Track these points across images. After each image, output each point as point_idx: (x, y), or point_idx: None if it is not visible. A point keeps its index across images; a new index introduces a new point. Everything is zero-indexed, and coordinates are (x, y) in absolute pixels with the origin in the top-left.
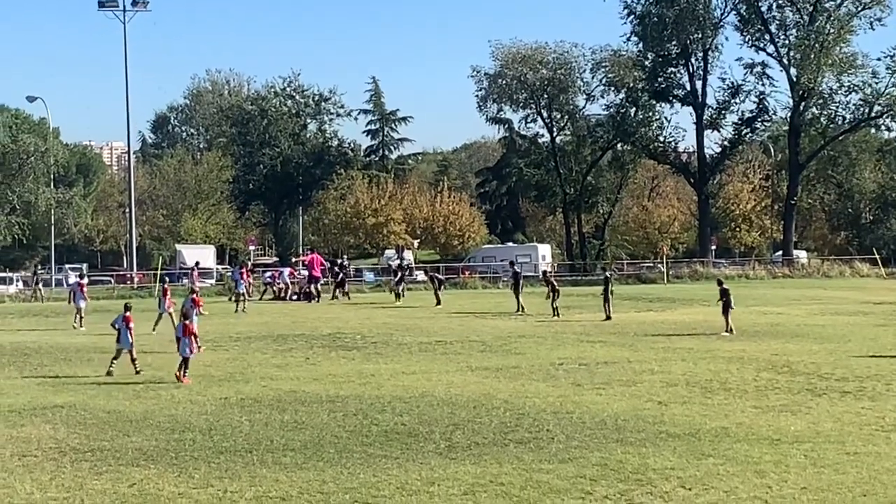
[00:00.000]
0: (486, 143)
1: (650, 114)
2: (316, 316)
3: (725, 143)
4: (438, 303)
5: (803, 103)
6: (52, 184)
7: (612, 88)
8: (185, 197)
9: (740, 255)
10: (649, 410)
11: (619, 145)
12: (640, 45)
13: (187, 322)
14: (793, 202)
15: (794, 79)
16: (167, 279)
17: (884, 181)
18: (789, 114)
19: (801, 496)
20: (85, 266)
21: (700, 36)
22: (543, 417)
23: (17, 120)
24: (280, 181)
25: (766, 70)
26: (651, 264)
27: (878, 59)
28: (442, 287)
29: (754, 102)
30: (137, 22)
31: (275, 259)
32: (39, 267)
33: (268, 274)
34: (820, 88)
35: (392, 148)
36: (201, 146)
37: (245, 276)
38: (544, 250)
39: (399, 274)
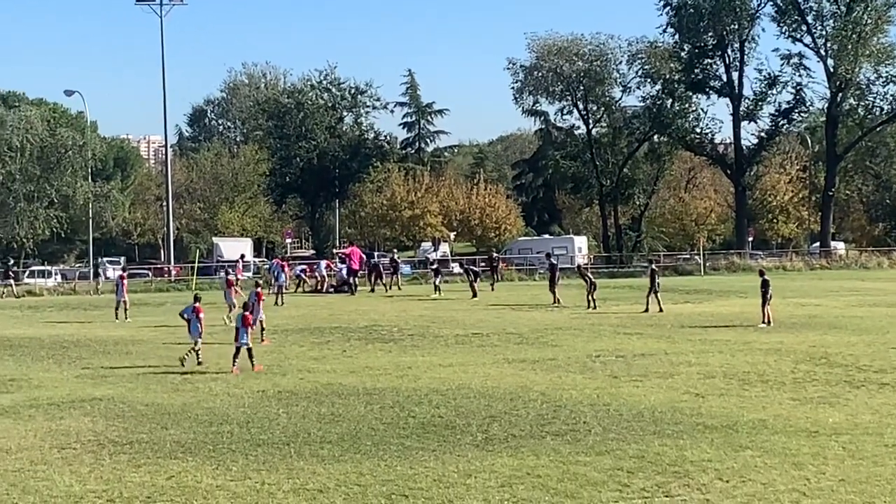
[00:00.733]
0: (522, 136)
1: (686, 105)
2: (353, 308)
3: (762, 134)
4: (474, 295)
5: (840, 94)
6: (89, 177)
7: (649, 80)
8: (222, 190)
9: (777, 246)
10: (686, 402)
11: (655, 137)
12: (677, 36)
13: (247, 313)
14: (830, 193)
15: (832, 69)
16: (230, 271)
17: None
18: (826, 104)
19: (839, 488)
20: (123, 259)
21: (737, 27)
22: (580, 409)
23: (56, 114)
24: (316, 174)
25: (802, 61)
26: (688, 256)
27: None
28: (478, 279)
29: (791, 93)
30: (174, 16)
31: (311, 252)
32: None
33: (299, 268)
34: (857, 79)
35: (428, 140)
36: (238, 139)
37: (285, 268)
38: (580, 242)
39: (435, 267)
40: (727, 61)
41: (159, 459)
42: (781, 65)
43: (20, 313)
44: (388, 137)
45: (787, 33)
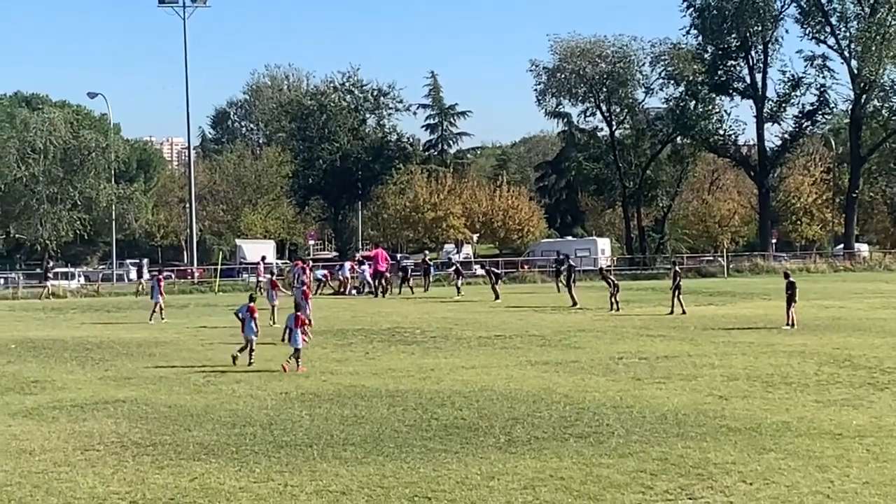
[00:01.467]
0: (545, 137)
1: (710, 107)
2: (375, 310)
3: (786, 135)
4: (497, 297)
5: (864, 96)
6: (112, 179)
7: (672, 82)
8: (245, 192)
9: (801, 248)
10: (710, 405)
11: (678, 139)
12: (700, 38)
13: (299, 314)
14: (854, 195)
15: (856, 71)
16: (274, 272)
17: None
18: (850, 106)
19: (863, 491)
20: (146, 261)
21: (760, 28)
22: (603, 412)
23: (79, 116)
24: (339, 176)
25: (826, 62)
26: (711, 258)
27: None
28: (499, 281)
29: (815, 95)
30: (197, 18)
31: (334, 254)
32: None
33: (320, 272)
34: (881, 80)
35: (451, 142)
36: (260, 141)
37: (307, 271)
38: (603, 244)
39: (456, 269)
40: (751, 63)
41: (182, 461)
42: (805, 66)
43: (44, 315)
44: (410, 139)
45: (810, 35)
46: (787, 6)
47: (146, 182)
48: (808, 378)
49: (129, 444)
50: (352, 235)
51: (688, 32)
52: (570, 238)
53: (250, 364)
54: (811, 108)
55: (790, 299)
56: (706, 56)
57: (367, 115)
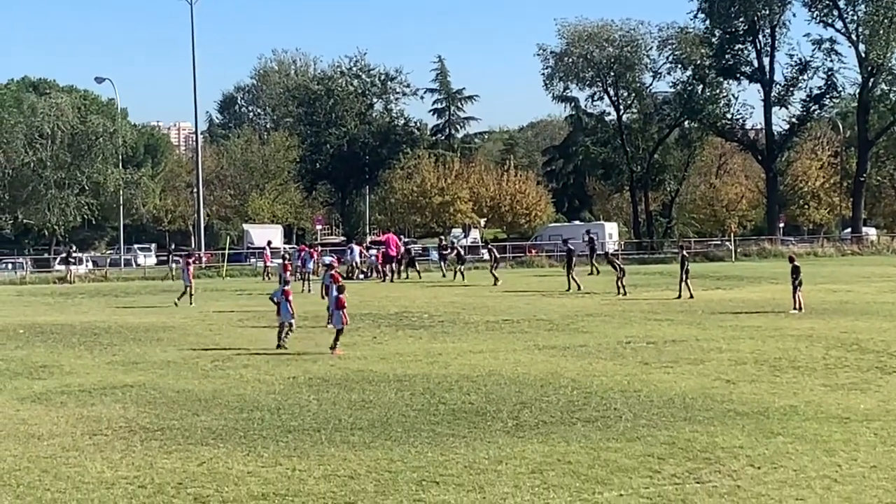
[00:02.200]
0: (553, 122)
1: (717, 91)
2: (383, 295)
3: (794, 119)
4: (496, 282)
5: (872, 79)
6: (120, 164)
7: (679, 66)
8: (253, 177)
9: (809, 232)
10: (717, 389)
11: (686, 123)
12: (707, 21)
13: (341, 296)
14: (862, 179)
15: (863, 55)
16: (287, 256)
17: None
18: (858, 90)
19: (870, 475)
20: (154, 246)
21: (767, 12)
22: (611, 396)
23: (86, 101)
24: (346, 161)
25: (834, 46)
26: (719, 242)
27: None
28: (497, 265)
29: (822, 79)
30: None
31: (342, 238)
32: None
33: (327, 259)
34: (889, 64)
35: (458, 127)
36: (268, 126)
37: (314, 255)
38: (611, 229)
39: (456, 252)
40: (758, 47)
41: (190, 446)
42: (813, 50)
43: (52, 300)
44: (418, 124)
45: (818, 18)
46: None
47: (154, 167)
48: (815, 362)
49: (137, 429)
50: (359, 220)
51: (695, 16)
52: (577, 222)
53: (278, 347)
54: (819, 91)
55: (796, 283)
56: (714, 40)
57: (375, 100)
